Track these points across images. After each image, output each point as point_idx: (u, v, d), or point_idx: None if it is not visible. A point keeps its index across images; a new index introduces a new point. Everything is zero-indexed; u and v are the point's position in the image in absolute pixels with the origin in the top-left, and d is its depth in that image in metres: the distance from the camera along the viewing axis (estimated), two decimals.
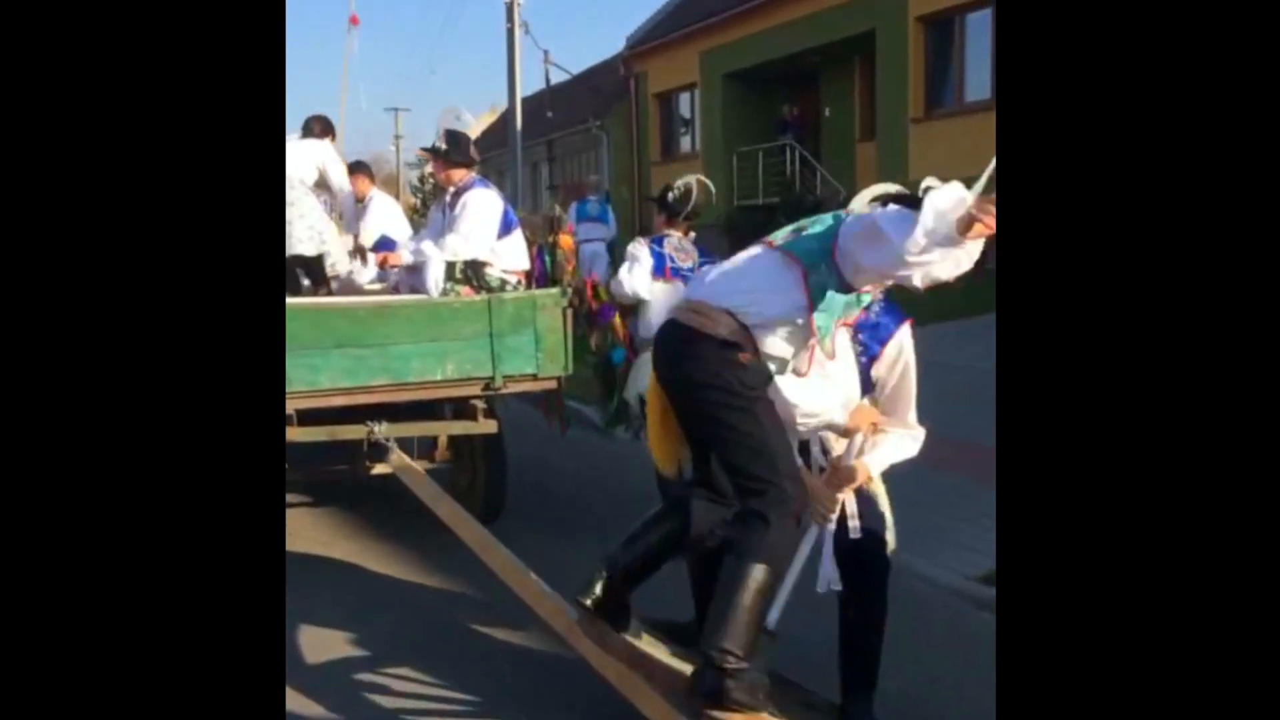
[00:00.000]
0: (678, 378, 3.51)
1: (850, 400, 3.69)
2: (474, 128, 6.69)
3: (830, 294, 3.30)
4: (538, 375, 6.10)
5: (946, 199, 2.94)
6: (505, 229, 6.38)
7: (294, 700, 4.18)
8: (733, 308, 3.37)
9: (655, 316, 5.17)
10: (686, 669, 3.57)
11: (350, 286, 7.67)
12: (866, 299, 3.43)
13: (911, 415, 3.82)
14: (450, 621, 5.29)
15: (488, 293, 6.14)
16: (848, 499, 3.78)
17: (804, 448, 3.86)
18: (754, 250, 3.57)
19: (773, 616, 3.69)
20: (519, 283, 6.44)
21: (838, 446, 3.83)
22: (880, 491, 3.90)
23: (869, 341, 3.80)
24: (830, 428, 3.73)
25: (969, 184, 2.97)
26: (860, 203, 3.38)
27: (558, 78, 29.91)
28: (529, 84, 27.59)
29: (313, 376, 5.60)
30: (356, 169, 8.60)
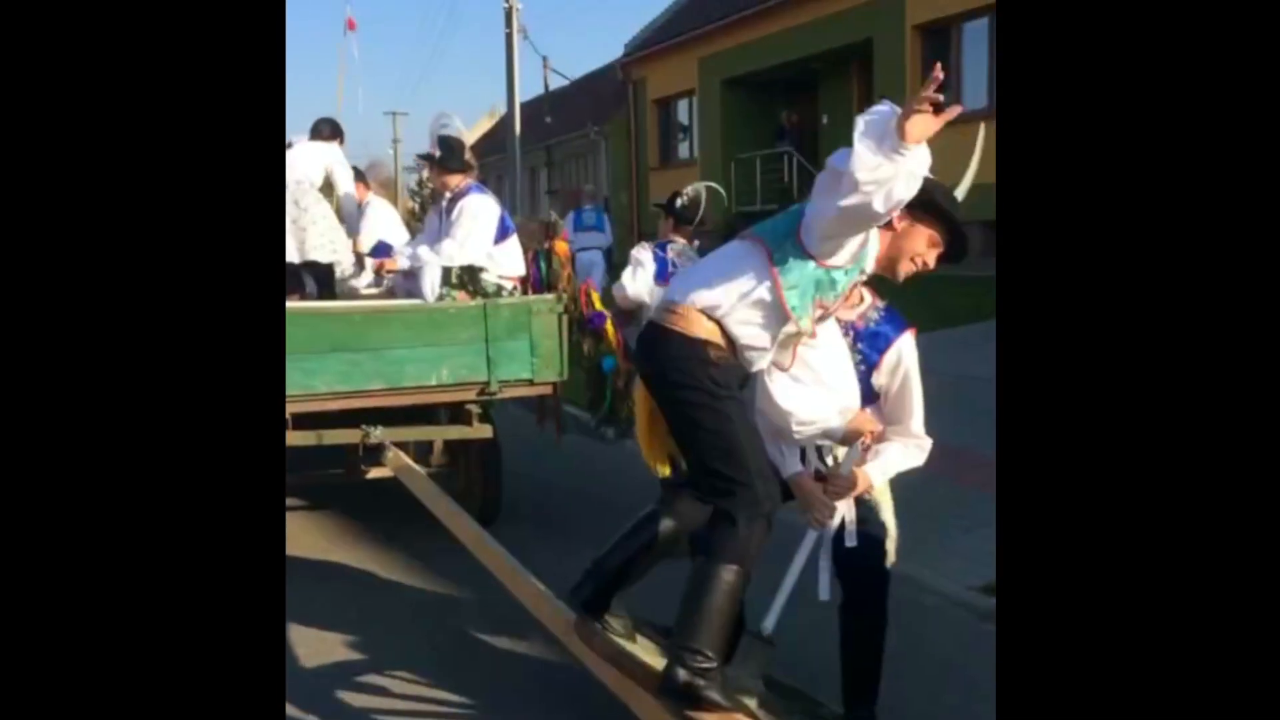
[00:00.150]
0: (655, 378, 3.53)
1: (848, 408, 3.67)
2: (466, 133, 6.71)
3: (799, 271, 3.28)
4: (533, 380, 6.11)
5: (877, 110, 2.96)
6: (501, 234, 6.41)
7: (291, 703, 4.17)
8: (705, 304, 3.37)
9: None
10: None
11: (347, 291, 7.68)
12: (841, 278, 3.35)
13: (916, 424, 3.78)
14: (448, 624, 5.29)
15: (484, 298, 6.15)
16: (846, 507, 3.76)
17: (804, 454, 3.84)
18: (727, 245, 3.59)
19: (769, 623, 3.70)
20: (515, 288, 6.44)
21: (838, 453, 3.81)
22: (885, 501, 3.87)
23: (868, 351, 3.78)
24: (827, 435, 3.71)
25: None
26: None
27: (557, 83, 30.07)
28: (528, 89, 27.72)
29: (308, 380, 5.61)
30: (353, 175, 8.58)
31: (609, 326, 6.12)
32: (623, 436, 6.25)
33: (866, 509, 3.82)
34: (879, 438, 3.77)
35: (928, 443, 3.82)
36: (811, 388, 3.61)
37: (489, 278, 6.31)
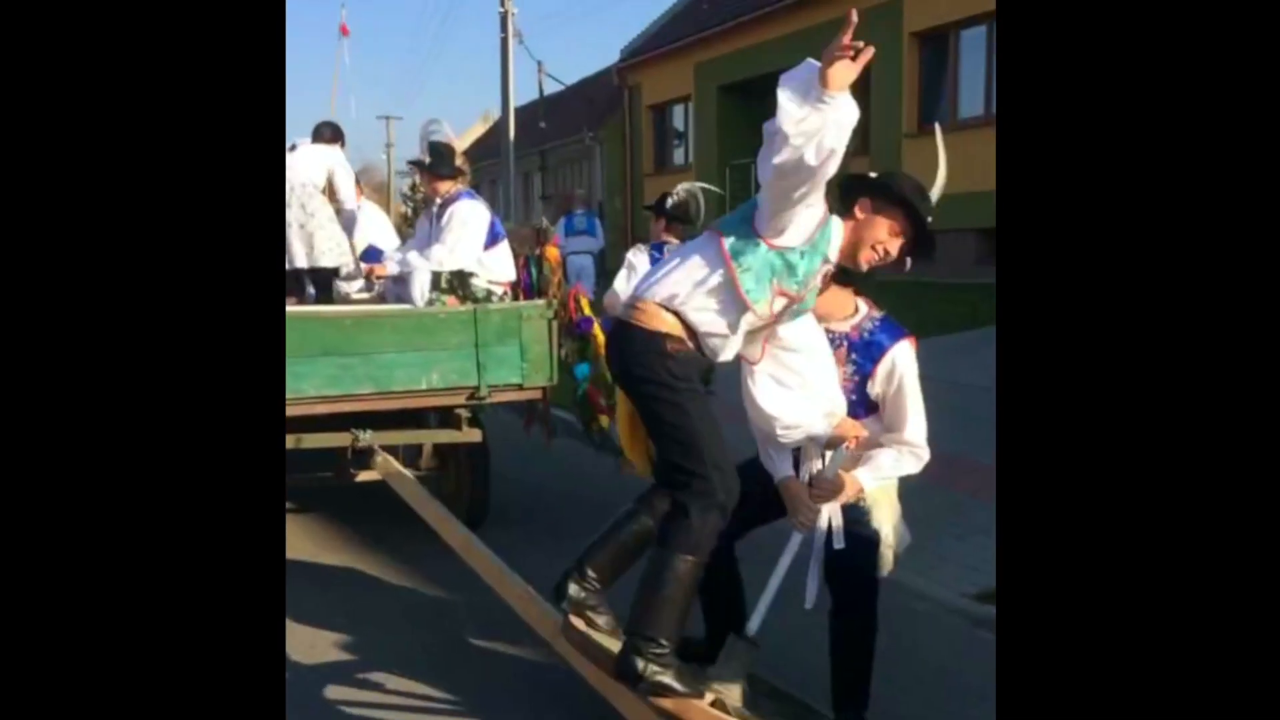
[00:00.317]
0: (621, 374, 3.61)
1: (833, 413, 3.68)
2: (455, 139, 6.74)
3: (752, 255, 3.32)
4: (523, 385, 6.14)
5: (799, 66, 3.05)
6: (492, 240, 6.44)
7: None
8: (663, 296, 3.44)
9: None
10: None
11: (340, 296, 7.70)
12: (798, 261, 3.36)
13: (910, 432, 3.78)
14: (438, 626, 5.30)
15: (473, 303, 6.17)
16: (832, 510, 3.77)
17: (799, 460, 3.86)
18: (690, 240, 3.68)
19: (753, 624, 3.74)
20: (505, 293, 6.48)
21: (828, 457, 3.80)
22: (883, 509, 3.84)
23: (862, 361, 3.81)
24: (813, 440, 3.72)
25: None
26: None
27: (552, 88, 30.05)
28: (523, 94, 27.65)
29: (298, 384, 5.62)
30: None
31: (597, 331, 6.11)
32: (602, 447, 6.25)
33: (858, 513, 3.81)
34: (864, 443, 3.77)
35: (924, 451, 3.82)
36: (796, 391, 3.63)
37: (479, 283, 6.34)
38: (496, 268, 6.45)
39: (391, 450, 6.24)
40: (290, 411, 5.60)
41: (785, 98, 3.00)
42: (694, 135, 25.45)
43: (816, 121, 2.98)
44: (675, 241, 5.88)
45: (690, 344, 3.43)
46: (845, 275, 3.68)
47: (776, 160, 3.06)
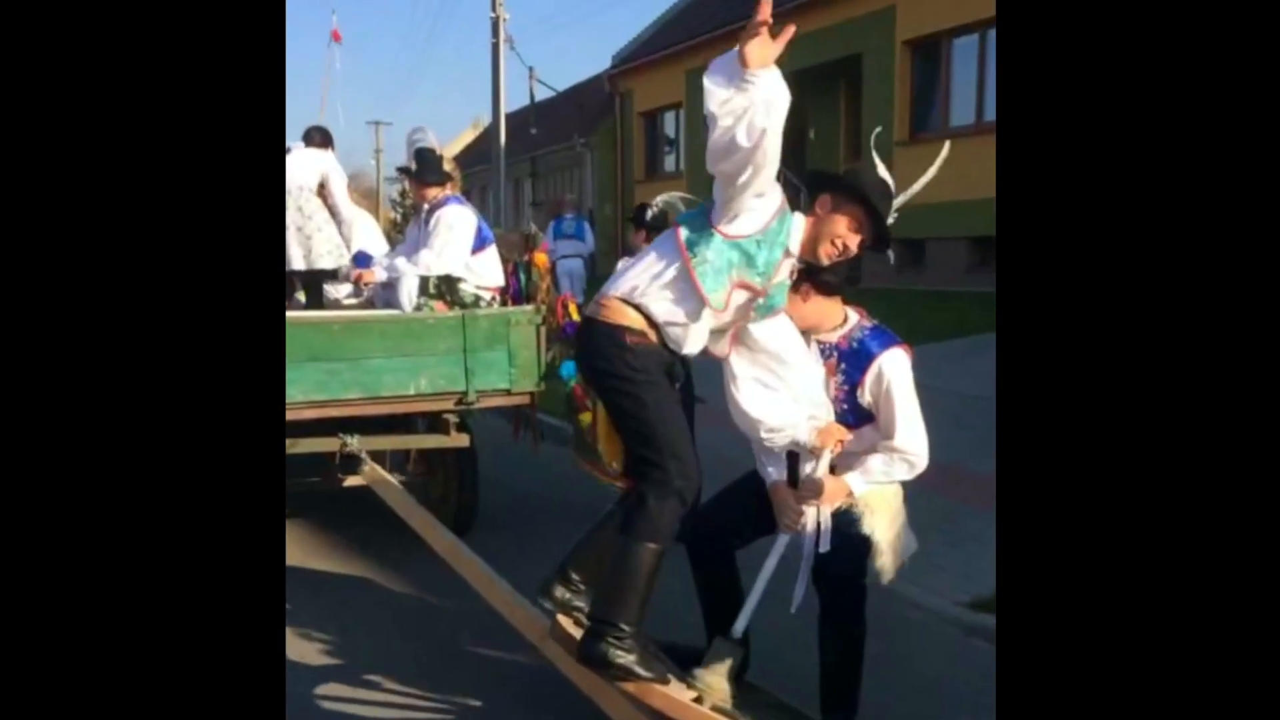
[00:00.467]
0: (586, 369, 3.70)
1: (817, 418, 3.70)
2: (440, 144, 6.76)
3: (707, 246, 3.39)
4: (511, 391, 6.14)
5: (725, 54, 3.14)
6: (479, 244, 6.45)
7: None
8: (624, 290, 3.51)
9: None
10: (670, 687, 3.59)
11: (329, 301, 7.74)
12: (755, 250, 3.41)
13: (901, 438, 3.76)
14: (428, 631, 5.30)
15: (461, 308, 6.18)
16: (817, 513, 3.78)
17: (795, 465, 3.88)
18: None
19: (739, 625, 3.77)
20: (493, 299, 6.49)
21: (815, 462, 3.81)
22: (875, 514, 3.82)
23: (851, 369, 3.82)
24: (796, 445, 3.73)
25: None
26: None
27: (543, 94, 30.04)
28: (514, 100, 27.68)
29: (286, 389, 5.54)
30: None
31: None
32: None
33: (848, 517, 3.80)
34: (856, 448, 3.78)
35: (917, 458, 3.80)
36: (780, 394, 3.65)
37: (467, 288, 6.36)
38: (484, 272, 6.46)
39: (379, 455, 6.24)
40: None
41: (710, 81, 3.10)
42: (685, 142, 25.45)
43: (742, 101, 3.07)
44: None
45: (653, 337, 3.50)
46: (818, 277, 3.72)
47: (710, 144, 3.16)
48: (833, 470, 3.78)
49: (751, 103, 3.06)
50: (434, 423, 6.48)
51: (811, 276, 3.72)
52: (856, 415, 3.81)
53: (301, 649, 5.05)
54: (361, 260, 7.33)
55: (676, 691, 3.56)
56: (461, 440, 6.40)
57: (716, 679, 3.64)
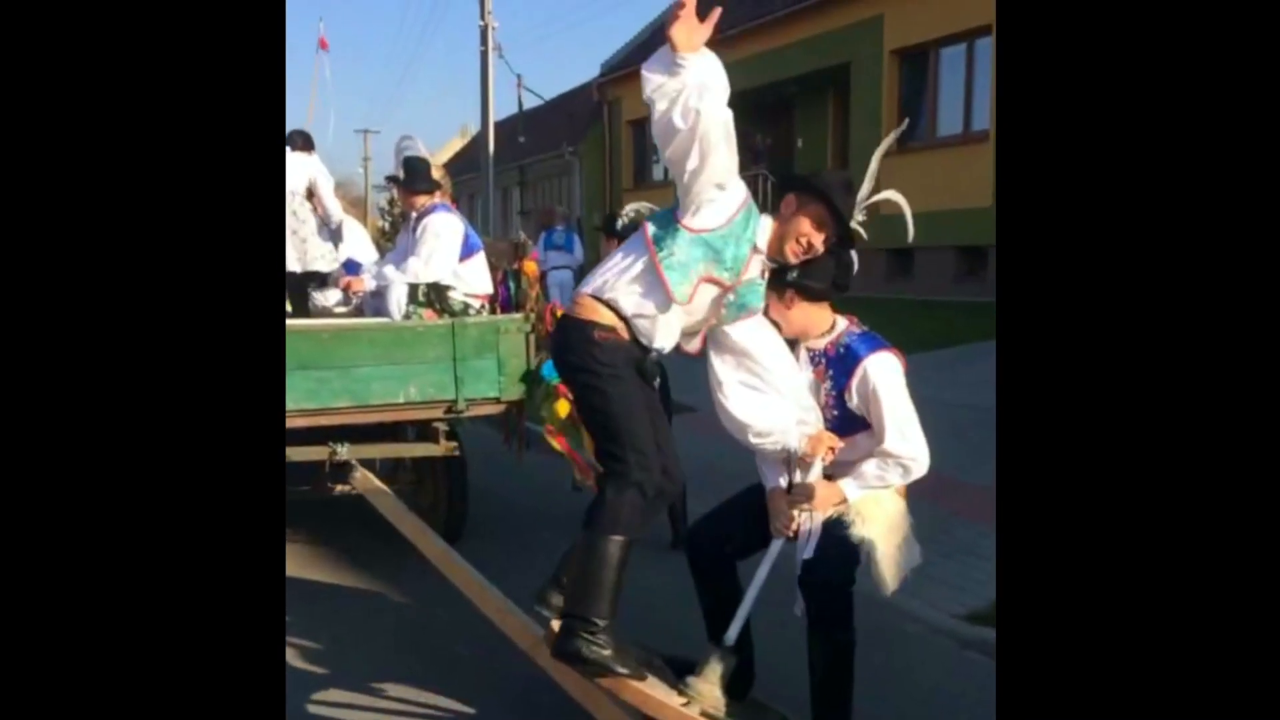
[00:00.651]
0: (559, 365, 3.76)
1: (807, 424, 3.70)
2: (428, 153, 6.78)
3: (673, 240, 3.46)
4: (500, 399, 6.12)
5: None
6: (467, 252, 6.46)
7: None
8: (594, 287, 3.57)
9: None
10: (650, 687, 3.61)
11: (319, 309, 7.70)
12: (720, 244, 3.46)
13: (891, 442, 3.74)
14: (422, 640, 5.30)
15: (451, 316, 6.17)
16: (808, 518, 3.78)
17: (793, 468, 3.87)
18: None
19: (731, 633, 3.77)
20: (483, 306, 6.49)
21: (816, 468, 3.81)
22: (869, 522, 3.80)
23: (838, 375, 3.82)
24: (785, 450, 3.73)
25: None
26: None
27: (531, 103, 30.03)
28: (502, 108, 27.64)
29: (285, 395, 5.53)
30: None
31: None
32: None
33: (838, 523, 3.78)
34: (838, 453, 3.78)
35: (913, 462, 3.78)
36: (769, 397, 3.65)
37: (456, 296, 6.36)
38: (472, 280, 6.47)
39: (369, 463, 6.22)
40: None
41: (645, 69, 3.24)
42: None
43: (675, 85, 3.21)
44: None
45: (623, 333, 3.54)
46: (802, 283, 3.75)
47: (654, 130, 3.30)
48: (827, 478, 3.78)
49: (684, 85, 3.20)
50: (424, 431, 6.47)
51: (796, 282, 3.74)
52: (849, 422, 3.80)
53: (295, 658, 5.03)
54: (350, 268, 7.33)
55: (653, 688, 3.57)
56: (451, 448, 6.37)
57: (708, 686, 3.65)
